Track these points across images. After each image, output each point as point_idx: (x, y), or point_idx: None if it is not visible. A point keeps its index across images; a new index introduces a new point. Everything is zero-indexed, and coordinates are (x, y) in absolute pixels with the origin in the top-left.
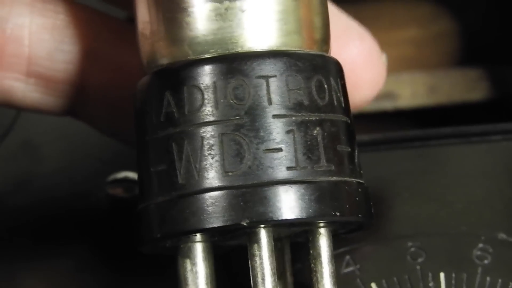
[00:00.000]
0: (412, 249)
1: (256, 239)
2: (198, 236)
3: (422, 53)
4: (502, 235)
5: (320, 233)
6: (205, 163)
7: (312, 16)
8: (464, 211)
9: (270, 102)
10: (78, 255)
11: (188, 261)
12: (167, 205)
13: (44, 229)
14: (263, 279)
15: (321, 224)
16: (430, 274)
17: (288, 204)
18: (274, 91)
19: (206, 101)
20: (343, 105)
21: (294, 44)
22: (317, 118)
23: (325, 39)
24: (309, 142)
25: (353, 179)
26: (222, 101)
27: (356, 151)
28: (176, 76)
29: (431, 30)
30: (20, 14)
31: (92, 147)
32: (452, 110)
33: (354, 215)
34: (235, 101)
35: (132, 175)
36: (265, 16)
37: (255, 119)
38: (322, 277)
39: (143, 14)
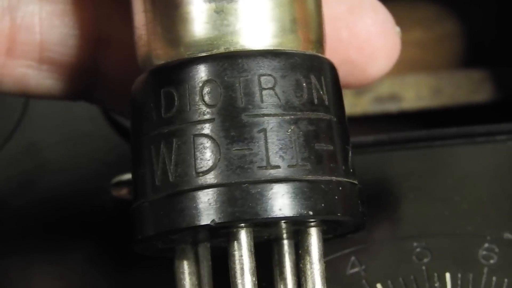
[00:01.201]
0: (418, 250)
1: (234, 239)
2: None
3: (426, 55)
4: (507, 235)
5: (309, 233)
6: (178, 164)
7: (299, 15)
8: (469, 211)
9: (241, 102)
10: (82, 256)
11: (184, 263)
12: (147, 207)
13: (48, 231)
14: (242, 281)
15: (311, 224)
16: (436, 275)
17: (256, 203)
18: (246, 91)
19: (179, 103)
20: (326, 103)
21: (281, 44)
22: (292, 117)
23: (315, 38)
24: (282, 141)
25: (333, 178)
26: (194, 102)
27: (344, 150)
28: (154, 80)
29: (435, 32)
30: (30, 1)
31: (96, 150)
32: (456, 112)
33: (332, 214)
34: (208, 102)
35: None
36: (245, 17)
37: (226, 119)
38: (310, 277)
39: (136, 12)
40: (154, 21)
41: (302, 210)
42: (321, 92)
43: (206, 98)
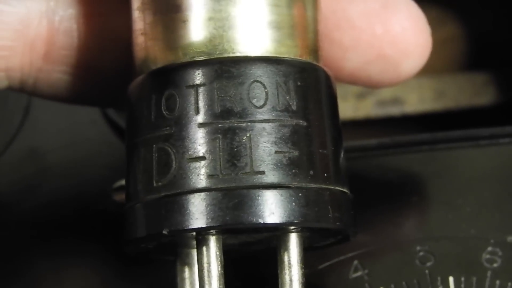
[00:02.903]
0: (421, 253)
1: (202, 245)
2: (195, 242)
3: (429, 58)
4: (511, 238)
5: (287, 240)
6: (144, 174)
7: (280, 22)
8: (472, 215)
9: (197, 111)
10: (84, 260)
11: (183, 268)
12: (124, 213)
13: (50, 235)
14: (209, 286)
15: (292, 229)
16: (439, 278)
17: (201, 211)
18: (202, 100)
19: (145, 113)
20: (293, 108)
21: (270, 50)
22: (249, 123)
23: (294, 43)
24: (235, 149)
25: (295, 184)
26: (157, 113)
27: (316, 154)
28: (129, 91)
29: (437, 35)
30: (67, 5)
31: (97, 154)
32: (459, 115)
33: (286, 219)
34: (167, 112)
35: None
36: (214, 24)
37: (182, 128)
38: (284, 285)
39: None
40: (138, 30)
41: (248, 218)
42: (287, 97)
43: (167, 108)
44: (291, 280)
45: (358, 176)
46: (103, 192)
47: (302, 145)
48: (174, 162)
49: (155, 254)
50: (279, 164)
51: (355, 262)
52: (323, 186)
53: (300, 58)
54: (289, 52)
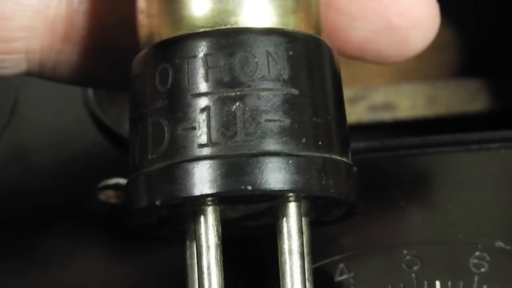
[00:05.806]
0: (408, 257)
1: (200, 216)
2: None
3: (422, 64)
4: (499, 243)
5: (285, 210)
6: (140, 148)
7: None
8: (461, 219)
9: (188, 82)
10: (70, 261)
11: (193, 243)
12: (125, 188)
13: (35, 235)
14: (207, 256)
15: (289, 198)
16: (425, 283)
17: (193, 181)
18: (192, 71)
19: (141, 88)
20: (285, 77)
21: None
22: (238, 93)
23: (283, 11)
24: (225, 118)
25: (285, 152)
26: (151, 87)
27: (308, 122)
28: (131, 68)
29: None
30: None
31: (84, 153)
32: (451, 122)
33: (276, 186)
34: (160, 86)
35: (123, 181)
36: None
37: (174, 100)
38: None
39: None
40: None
41: (238, 186)
42: (278, 67)
43: (160, 82)
44: (290, 249)
45: None
46: (89, 192)
47: (293, 113)
48: (166, 134)
49: (165, 232)
50: (269, 133)
51: (341, 265)
52: (316, 154)
53: (296, 30)
54: (287, 23)
